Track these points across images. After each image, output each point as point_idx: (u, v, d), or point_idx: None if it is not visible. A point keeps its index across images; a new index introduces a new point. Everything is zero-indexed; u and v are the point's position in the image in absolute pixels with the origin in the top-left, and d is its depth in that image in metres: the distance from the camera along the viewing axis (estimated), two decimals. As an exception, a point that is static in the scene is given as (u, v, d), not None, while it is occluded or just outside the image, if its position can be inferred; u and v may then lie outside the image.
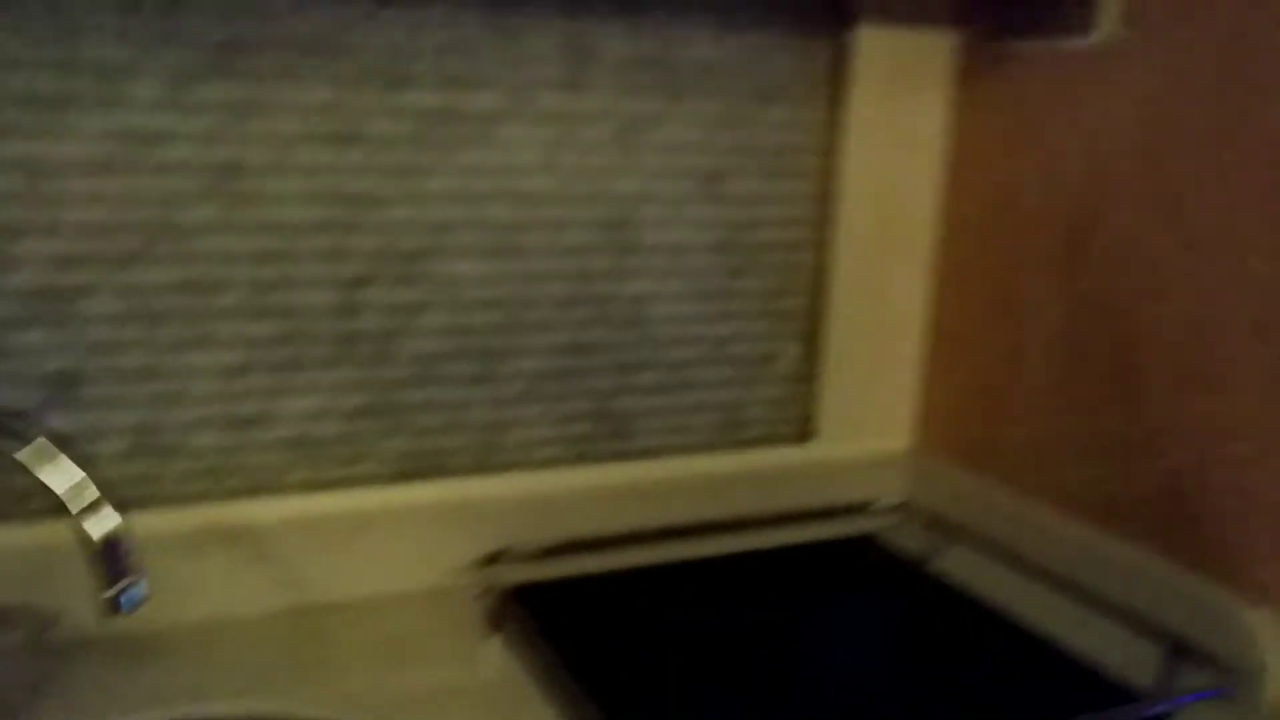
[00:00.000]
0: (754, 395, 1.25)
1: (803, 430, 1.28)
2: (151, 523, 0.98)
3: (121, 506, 0.98)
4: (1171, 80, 0.98)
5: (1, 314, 0.92)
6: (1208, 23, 0.94)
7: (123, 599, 0.69)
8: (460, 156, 1.05)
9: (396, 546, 1.08)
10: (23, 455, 0.69)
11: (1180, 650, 0.97)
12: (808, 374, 1.27)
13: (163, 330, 0.97)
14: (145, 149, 0.93)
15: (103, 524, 0.69)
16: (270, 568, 1.03)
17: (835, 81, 1.19)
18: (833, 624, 1.07)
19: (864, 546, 1.25)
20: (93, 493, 0.69)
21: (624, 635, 1.01)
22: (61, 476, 0.69)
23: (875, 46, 1.18)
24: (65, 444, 0.96)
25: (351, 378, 1.05)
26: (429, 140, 1.03)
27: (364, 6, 0.98)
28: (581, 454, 1.17)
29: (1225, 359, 0.95)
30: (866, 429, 1.30)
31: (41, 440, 0.69)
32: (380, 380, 1.07)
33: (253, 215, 0.98)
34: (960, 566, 1.19)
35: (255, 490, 1.04)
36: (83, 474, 0.70)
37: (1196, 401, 0.98)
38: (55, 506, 0.96)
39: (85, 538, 0.69)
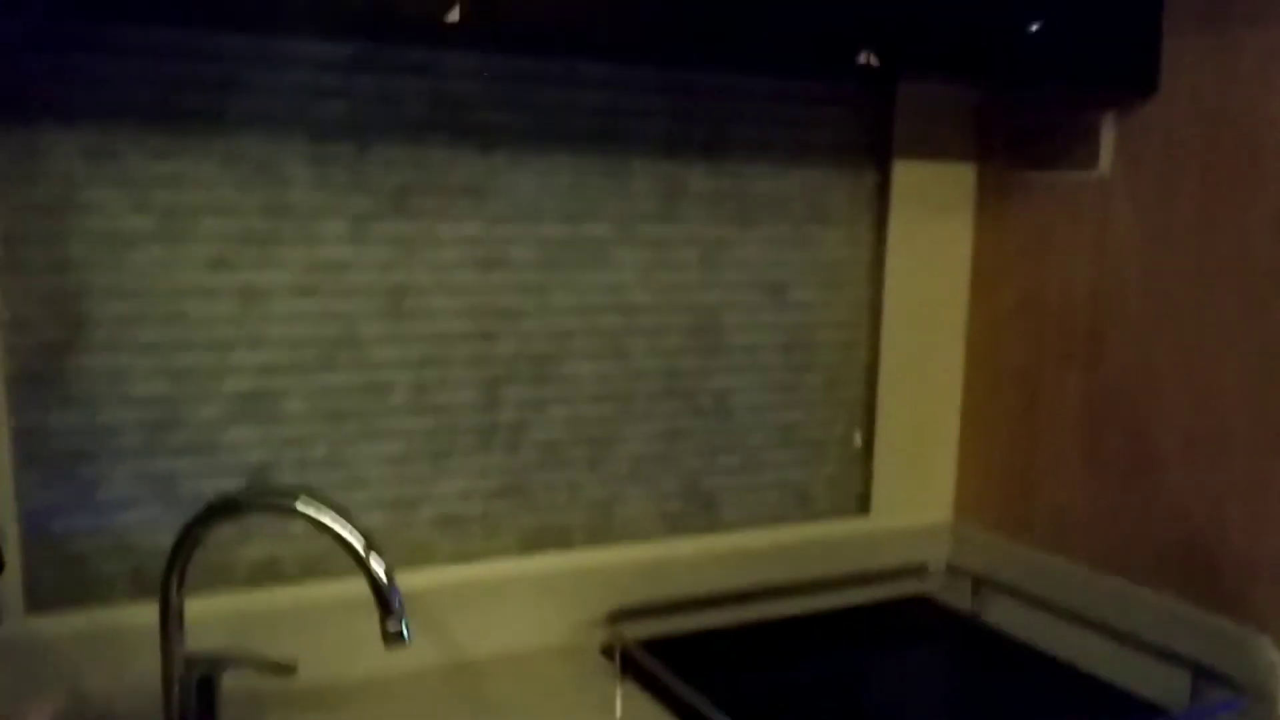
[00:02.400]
0: (818, 474, 1.44)
1: (860, 504, 1.47)
2: (325, 591, 1.16)
3: (309, 575, 1.16)
4: (1161, 205, 1.21)
5: (215, 414, 1.11)
6: (1186, 160, 1.17)
7: (407, 631, 0.86)
8: (579, 276, 1.26)
9: (527, 609, 1.25)
10: (305, 508, 0.86)
11: (1203, 674, 1.15)
12: (863, 455, 1.47)
13: (343, 426, 1.16)
14: (334, 276, 1.14)
15: (380, 563, 0.86)
16: (423, 629, 1.20)
17: (878, 207, 1.42)
18: (902, 671, 1.25)
19: (920, 605, 1.43)
20: (365, 538, 0.87)
21: (728, 682, 1.18)
22: (339, 526, 0.87)
23: (909, 178, 1.41)
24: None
25: (491, 463, 1.24)
26: (555, 263, 1.24)
27: (504, 155, 1.20)
28: (675, 527, 1.36)
29: (1226, 428, 1.16)
30: (914, 502, 1.49)
31: (307, 498, 0.87)
32: (514, 465, 1.25)
33: (416, 328, 1.18)
34: (1005, 619, 1.38)
35: (413, 560, 1.21)
36: (350, 525, 0.87)
37: (1203, 465, 1.19)
38: (250, 576, 1.14)
39: (372, 574, 0.86)
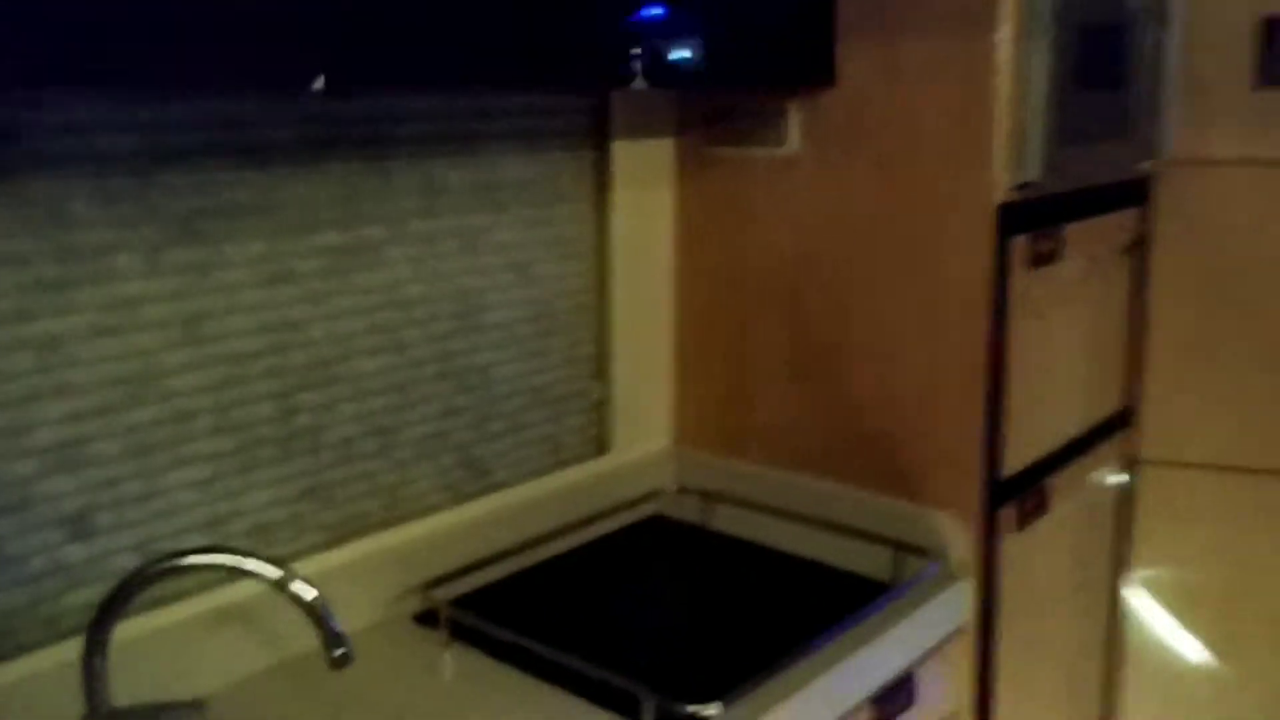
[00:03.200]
0: (565, 426, 1.61)
1: (599, 446, 1.67)
2: (166, 616, 1.17)
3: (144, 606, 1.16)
4: (844, 180, 1.48)
5: (28, 470, 1.06)
6: (863, 141, 1.45)
7: (350, 650, 0.93)
8: (357, 279, 1.31)
9: (339, 598, 1.32)
10: (226, 560, 0.90)
11: (901, 549, 1.48)
12: (600, 403, 1.65)
13: (153, 459, 1.16)
14: (131, 312, 1.12)
15: (308, 590, 0.92)
16: (248, 635, 1.24)
17: (601, 184, 1.58)
18: (651, 577, 1.48)
19: (659, 524, 1.66)
20: (287, 571, 0.92)
21: (530, 619, 1.35)
22: (260, 567, 0.91)
23: (624, 157, 1.59)
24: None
25: (292, 469, 1.28)
26: (334, 270, 1.29)
27: (283, 170, 1.22)
28: (458, 495, 1.47)
29: (903, 352, 1.47)
30: (644, 437, 1.71)
31: (228, 554, 0.91)
32: (313, 467, 1.30)
33: (214, 351, 1.19)
34: (734, 525, 1.64)
35: (230, 574, 1.24)
36: (264, 562, 0.92)
37: (886, 381, 1.50)
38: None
39: (302, 602, 0.92)
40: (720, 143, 1.59)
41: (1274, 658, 1.90)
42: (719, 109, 1.58)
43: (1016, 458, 1.52)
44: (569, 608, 1.40)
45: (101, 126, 1.07)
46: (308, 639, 1.28)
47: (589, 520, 1.61)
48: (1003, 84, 1.35)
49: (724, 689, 1.14)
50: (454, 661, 1.26)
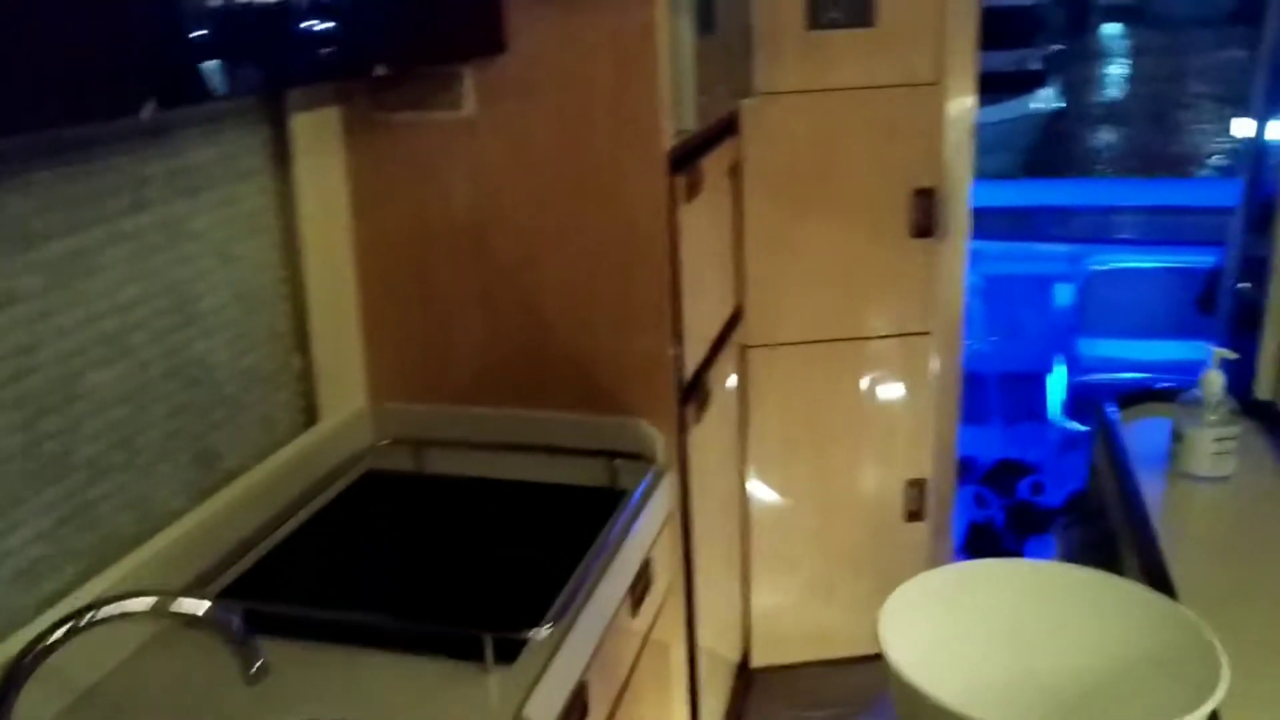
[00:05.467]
0: (278, 402, 1.61)
1: (309, 416, 1.68)
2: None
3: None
4: (524, 138, 1.61)
5: None
6: (541, 103, 1.59)
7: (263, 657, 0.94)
8: (78, 288, 1.24)
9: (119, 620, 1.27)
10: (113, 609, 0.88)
11: (616, 457, 1.68)
12: (303, 374, 1.67)
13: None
14: None
15: (197, 605, 0.92)
16: (43, 679, 1.17)
17: (282, 158, 1.57)
18: (393, 531, 1.59)
19: (374, 478, 1.73)
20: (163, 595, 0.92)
21: (308, 593, 1.39)
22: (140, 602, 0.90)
23: (302, 128, 1.59)
24: None
25: (50, 498, 1.21)
26: (56, 284, 1.21)
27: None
28: (202, 491, 1.44)
29: (591, 286, 1.66)
30: (356, 398, 1.75)
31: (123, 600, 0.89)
32: (69, 490, 1.23)
33: (-44, 390, 1.09)
34: (450, 465, 1.75)
35: (12, 624, 1.16)
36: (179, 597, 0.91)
37: (581, 313, 1.68)
38: None
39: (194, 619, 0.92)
40: (397, 108, 1.64)
41: (849, 475, 2.39)
42: (391, 77, 1.63)
43: (690, 362, 1.78)
44: (332, 576, 1.45)
45: None
46: (97, 669, 1.24)
47: (314, 490, 1.64)
48: (661, 50, 1.55)
49: (538, 614, 1.28)
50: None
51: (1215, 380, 1.60)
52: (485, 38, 1.56)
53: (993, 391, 3.90)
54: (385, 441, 1.78)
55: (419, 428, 1.78)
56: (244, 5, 1.00)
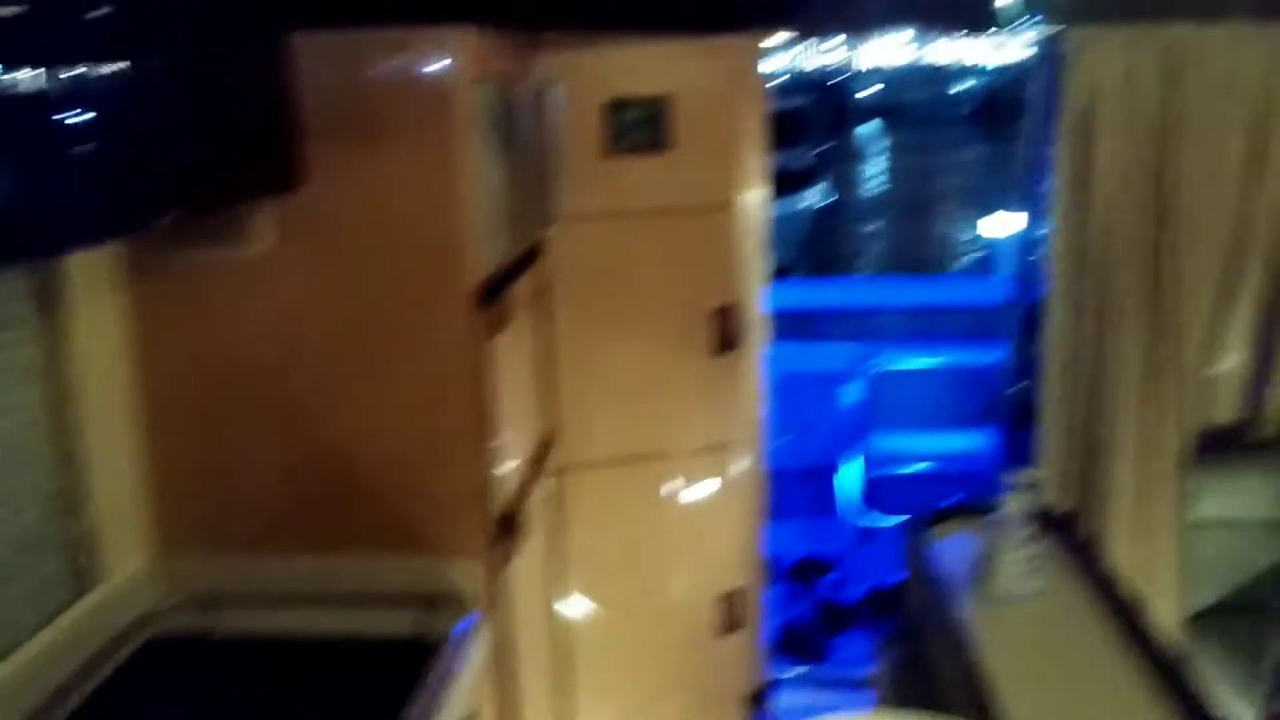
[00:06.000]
0: (53, 568, 1.46)
1: (87, 582, 1.53)
2: None
3: None
4: (323, 275, 1.54)
5: None
6: (343, 237, 1.53)
7: None
8: None
9: None
10: None
11: (423, 603, 1.59)
12: (80, 536, 1.52)
13: None
14: None
15: None
16: None
17: (50, 302, 1.44)
18: (168, 702, 1.47)
19: (157, 644, 1.57)
20: None
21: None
22: None
23: (75, 269, 1.46)
24: None
25: None
26: None
27: None
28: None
29: (397, 427, 1.59)
30: (133, 559, 1.60)
31: None
32: None
33: None
34: (248, 623, 1.62)
35: None
36: None
37: (384, 454, 1.60)
38: None
39: None
40: (183, 245, 1.54)
41: (664, 593, 2.37)
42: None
43: (505, 492, 1.73)
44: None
45: None
46: None
47: (92, 665, 1.48)
48: (465, 185, 1.53)
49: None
50: None
51: (1021, 501, 1.68)
52: (275, 176, 1.49)
53: (789, 487, 4.00)
54: (174, 601, 1.64)
55: (212, 581, 1.64)
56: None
